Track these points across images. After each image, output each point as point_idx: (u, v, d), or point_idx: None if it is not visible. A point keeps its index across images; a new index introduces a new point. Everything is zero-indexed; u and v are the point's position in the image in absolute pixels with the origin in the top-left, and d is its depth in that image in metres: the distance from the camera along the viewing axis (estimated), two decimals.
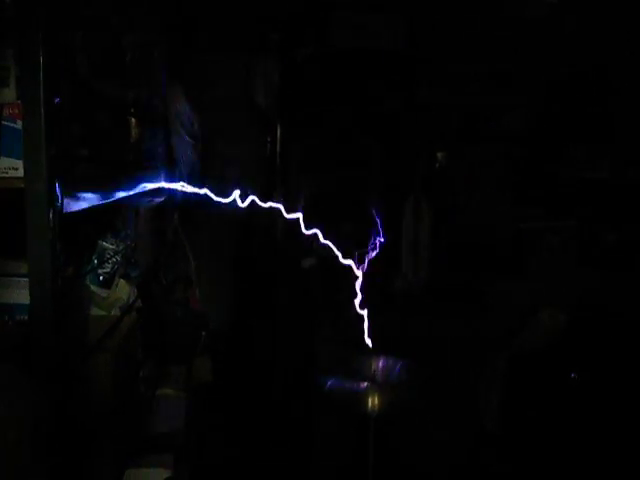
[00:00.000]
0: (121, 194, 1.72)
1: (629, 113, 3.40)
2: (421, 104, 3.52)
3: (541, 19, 3.12)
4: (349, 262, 1.84)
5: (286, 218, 1.79)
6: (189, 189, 1.75)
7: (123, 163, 1.89)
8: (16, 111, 1.18)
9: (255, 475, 2.82)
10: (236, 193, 1.65)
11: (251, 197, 1.64)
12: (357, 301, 1.93)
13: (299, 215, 1.73)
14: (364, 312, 1.95)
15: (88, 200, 1.38)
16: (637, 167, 3.32)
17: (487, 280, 3.11)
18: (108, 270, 1.82)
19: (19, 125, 1.16)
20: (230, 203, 1.69)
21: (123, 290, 1.89)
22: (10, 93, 1.19)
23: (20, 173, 1.16)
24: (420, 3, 3.22)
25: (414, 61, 3.47)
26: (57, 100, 1.15)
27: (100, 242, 1.79)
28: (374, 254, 1.99)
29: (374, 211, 2.19)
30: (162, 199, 2.32)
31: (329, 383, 2.00)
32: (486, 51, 3.36)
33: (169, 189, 2.28)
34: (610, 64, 3.39)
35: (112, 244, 1.85)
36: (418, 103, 3.53)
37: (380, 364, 2.07)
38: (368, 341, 2.00)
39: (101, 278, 1.79)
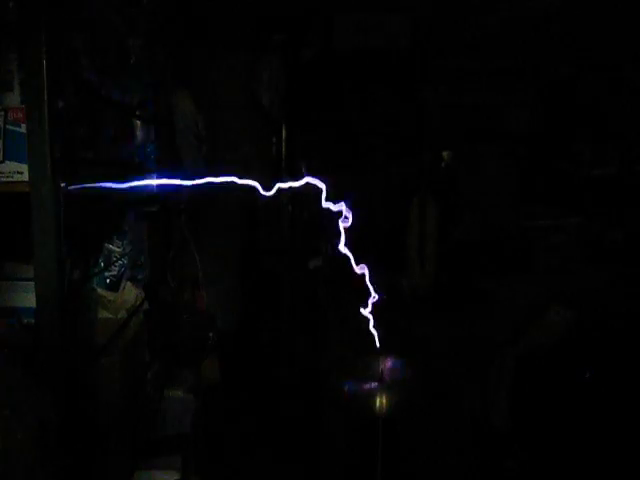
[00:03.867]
0: (127, 196, 1.72)
1: (634, 110, 3.38)
2: (426, 103, 3.52)
3: (545, 17, 3.11)
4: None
5: (292, 219, 1.78)
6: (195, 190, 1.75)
7: (129, 166, 1.89)
8: (20, 115, 1.18)
9: (263, 474, 2.82)
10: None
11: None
12: (364, 301, 1.92)
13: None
14: (371, 312, 1.94)
15: (94, 203, 1.38)
16: None
17: (494, 278, 3.10)
18: (115, 273, 1.82)
19: (23, 129, 1.16)
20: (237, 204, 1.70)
21: (130, 293, 1.89)
22: (14, 97, 1.19)
23: (25, 177, 1.16)
24: (423, 3, 3.21)
25: (418, 61, 3.46)
26: (61, 104, 1.15)
27: (106, 245, 1.79)
28: None
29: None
30: (168, 201, 2.33)
31: (347, 387, 2.00)
32: (491, 50, 3.35)
33: (175, 191, 2.29)
34: (615, 61, 3.37)
35: (119, 247, 1.84)
36: (423, 102, 3.53)
37: (388, 364, 2.07)
38: (375, 341, 1.99)
39: (108, 281, 1.79)
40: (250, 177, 1.35)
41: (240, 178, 1.34)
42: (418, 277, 3.36)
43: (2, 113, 1.19)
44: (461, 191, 3.55)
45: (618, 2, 2.99)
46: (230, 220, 3.00)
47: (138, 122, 1.99)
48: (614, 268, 2.97)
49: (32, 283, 1.17)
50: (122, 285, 1.85)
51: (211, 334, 2.77)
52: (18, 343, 1.33)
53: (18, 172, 1.19)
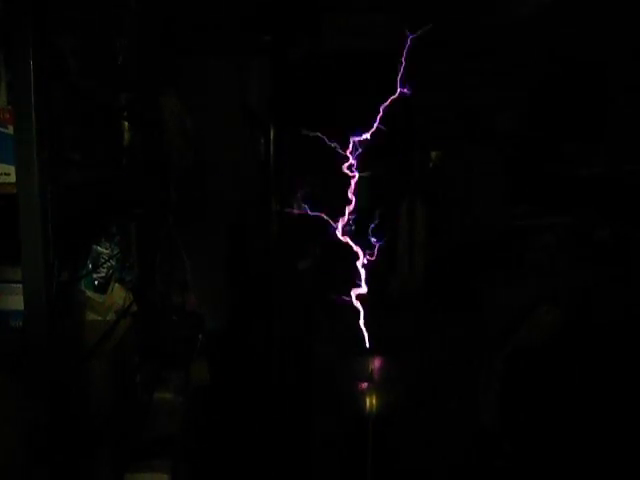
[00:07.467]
0: (115, 198, 1.72)
1: (622, 110, 3.40)
2: (415, 104, 3.52)
3: (533, 17, 3.12)
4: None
5: (280, 220, 1.78)
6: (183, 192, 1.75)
7: (116, 167, 1.88)
8: (7, 116, 1.17)
9: (255, 476, 2.82)
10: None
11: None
12: (353, 302, 1.93)
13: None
14: (361, 313, 1.94)
15: (81, 204, 1.37)
16: (631, 163, 3.33)
17: (483, 278, 3.11)
18: (103, 275, 1.81)
19: (10, 130, 1.15)
20: (224, 205, 1.70)
21: (118, 295, 1.88)
22: (1, 98, 1.18)
23: (12, 178, 1.15)
24: (413, 2, 3.21)
25: (408, 61, 3.46)
26: (48, 104, 1.15)
27: (95, 247, 1.78)
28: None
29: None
30: (157, 203, 2.32)
31: (337, 387, 2.00)
32: (480, 50, 3.36)
33: (163, 192, 2.28)
34: (603, 61, 3.39)
35: (107, 249, 1.84)
36: (412, 103, 3.53)
37: (377, 364, 2.07)
38: (365, 341, 2.00)
39: (96, 283, 1.78)
40: (239, 178, 1.35)
41: (230, 179, 1.34)
42: (407, 278, 3.37)
43: None
44: (450, 192, 3.56)
45: (603, 3, 3.02)
46: (218, 221, 2.98)
47: (126, 123, 1.98)
48: (602, 267, 2.98)
49: (20, 285, 1.16)
50: (110, 287, 1.84)
51: (200, 335, 2.76)
52: (6, 346, 1.32)
53: (5, 174, 1.18)
